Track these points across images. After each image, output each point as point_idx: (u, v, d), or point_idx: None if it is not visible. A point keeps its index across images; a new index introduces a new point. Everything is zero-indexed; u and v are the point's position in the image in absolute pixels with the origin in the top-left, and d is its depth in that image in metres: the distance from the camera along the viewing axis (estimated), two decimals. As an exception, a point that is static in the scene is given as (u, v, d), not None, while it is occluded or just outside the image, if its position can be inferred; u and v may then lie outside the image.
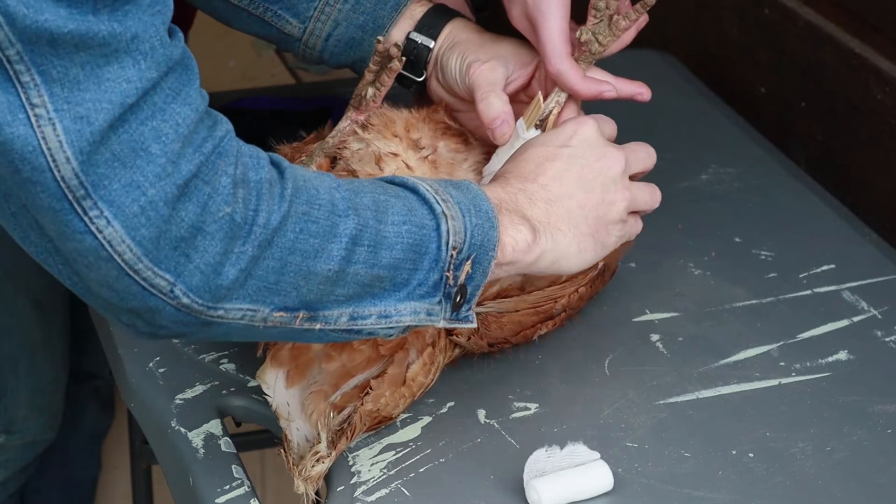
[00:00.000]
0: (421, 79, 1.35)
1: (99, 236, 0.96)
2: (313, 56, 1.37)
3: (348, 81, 1.32)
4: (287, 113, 1.73)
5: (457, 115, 1.34)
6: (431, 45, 1.33)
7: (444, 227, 1.09)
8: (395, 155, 1.26)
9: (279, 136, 1.36)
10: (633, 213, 1.26)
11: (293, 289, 1.04)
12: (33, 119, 0.92)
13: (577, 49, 1.28)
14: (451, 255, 1.10)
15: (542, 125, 1.28)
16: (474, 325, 1.15)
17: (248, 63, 2.84)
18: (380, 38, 1.26)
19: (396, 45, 1.25)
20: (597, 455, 1.16)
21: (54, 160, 0.93)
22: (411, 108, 1.32)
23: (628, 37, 1.30)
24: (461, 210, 1.11)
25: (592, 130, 1.22)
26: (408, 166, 1.26)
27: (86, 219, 0.95)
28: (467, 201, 1.12)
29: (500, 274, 1.15)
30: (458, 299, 1.12)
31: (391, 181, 1.13)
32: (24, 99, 0.92)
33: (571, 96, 1.29)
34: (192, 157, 0.97)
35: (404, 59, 1.26)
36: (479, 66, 1.29)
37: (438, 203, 1.10)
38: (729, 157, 1.64)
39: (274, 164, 1.05)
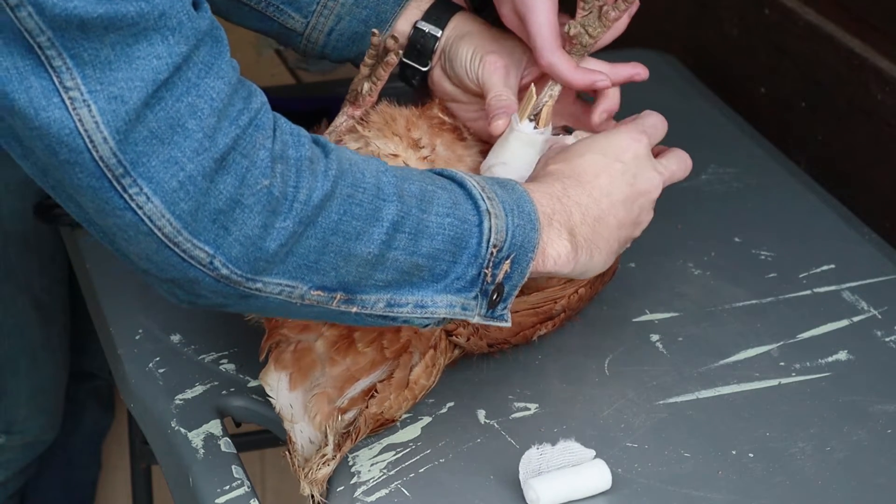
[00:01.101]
0: (426, 69, 1.35)
1: (139, 212, 0.97)
2: (315, 51, 1.37)
3: (348, 81, 1.32)
4: (287, 113, 1.73)
5: (454, 107, 1.34)
6: (439, 35, 1.33)
7: (486, 224, 1.10)
8: (395, 156, 1.26)
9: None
10: None
11: (332, 269, 1.04)
12: (68, 102, 0.93)
13: (568, 43, 1.27)
14: (492, 253, 1.10)
15: (536, 118, 1.28)
16: (509, 324, 1.16)
17: (248, 63, 2.83)
18: (375, 30, 1.26)
19: (394, 37, 1.25)
20: (592, 452, 1.16)
21: (92, 141, 0.94)
22: (410, 106, 1.31)
23: (622, 24, 1.30)
24: (505, 209, 1.11)
25: (644, 149, 1.23)
26: (407, 166, 1.26)
27: (126, 196, 0.96)
28: (511, 201, 1.12)
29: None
30: (494, 297, 1.12)
31: (440, 173, 1.14)
32: (57, 83, 0.93)
33: (565, 88, 1.29)
34: (229, 130, 0.98)
35: (401, 52, 1.26)
36: (494, 64, 1.29)
37: (484, 200, 1.11)
38: (729, 157, 1.64)
39: (318, 143, 1.05)
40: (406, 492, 1.15)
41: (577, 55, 1.28)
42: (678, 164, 1.27)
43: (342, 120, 1.30)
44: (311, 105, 1.74)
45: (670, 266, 1.44)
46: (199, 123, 0.96)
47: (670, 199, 1.55)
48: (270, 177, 0.99)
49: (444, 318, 1.12)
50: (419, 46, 1.33)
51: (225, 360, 1.30)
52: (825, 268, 1.44)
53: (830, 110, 1.66)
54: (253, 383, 1.26)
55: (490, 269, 1.11)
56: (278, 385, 1.18)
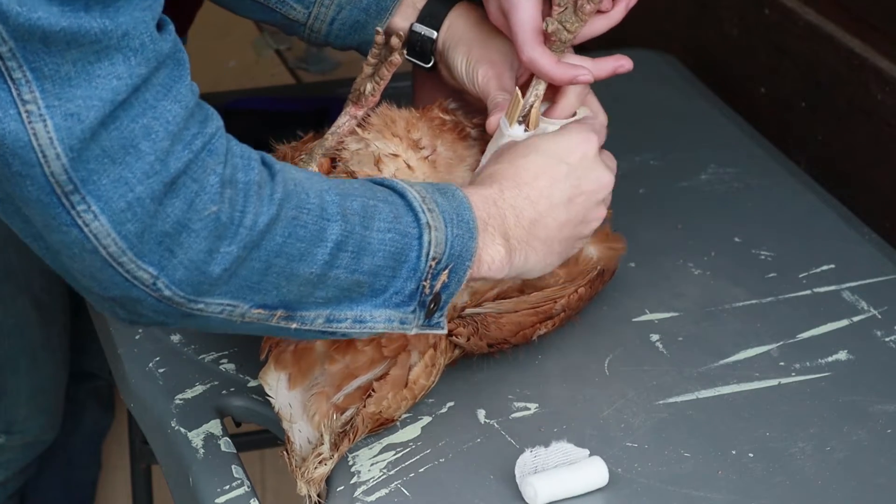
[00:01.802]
0: (429, 65, 1.35)
1: (85, 229, 0.97)
2: (318, 40, 1.37)
3: (348, 81, 1.32)
4: (287, 113, 1.73)
5: (468, 98, 1.34)
6: (434, 37, 1.33)
7: (426, 238, 1.10)
8: (396, 156, 1.26)
9: (279, 136, 1.36)
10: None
11: (274, 288, 1.05)
12: (24, 115, 0.93)
13: (548, 40, 1.28)
14: (430, 266, 1.11)
15: (525, 120, 1.28)
16: (444, 331, 1.16)
17: (248, 63, 2.83)
18: (378, 28, 1.27)
19: (398, 34, 1.25)
20: (586, 451, 1.16)
21: (44, 156, 0.94)
22: (410, 107, 1.32)
23: (617, 15, 1.30)
24: (444, 220, 1.12)
25: (594, 149, 1.24)
26: (409, 166, 1.26)
27: (73, 212, 0.96)
28: (451, 210, 1.13)
29: (471, 284, 1.18)
30: (431, 307, 1.13)
31: (381, 183, 1.14)
32: (15, 95, 0.93)
33: (549, 86, 1.29)
34: (181, 154, 0.98)
35: (405, 51, 1.27)
36: (487, 71, 1.30)
37: (424, 212, 1.11)
38: (729, 157, 1.64)
39: (265, 164, 1.05)
40: (406, 491, 1.15)
41: (558, 51, 1.28)
42: (611, 162, 1.28)
43: (344, 120, 1.30)
44: (311, 105, 1.74)
45: (670, 266, 1.44)
46: (152, 146, 0.96)
47: (670, 199, 1.56)
48: (219, 203, 0.99)
49: (382, 333, 1.13)
50: (418, 48, 1.34)
51: (225, 360, 1.30)
52: (825, 268, 1.44)
53: (830, 110, 1.66)
54: (253, 383, 1.26)
55: (428, 281, 1.11)
56: (277, 384, 1.19)
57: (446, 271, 1.12)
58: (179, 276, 1.00)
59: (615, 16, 1.31)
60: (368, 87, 1.28)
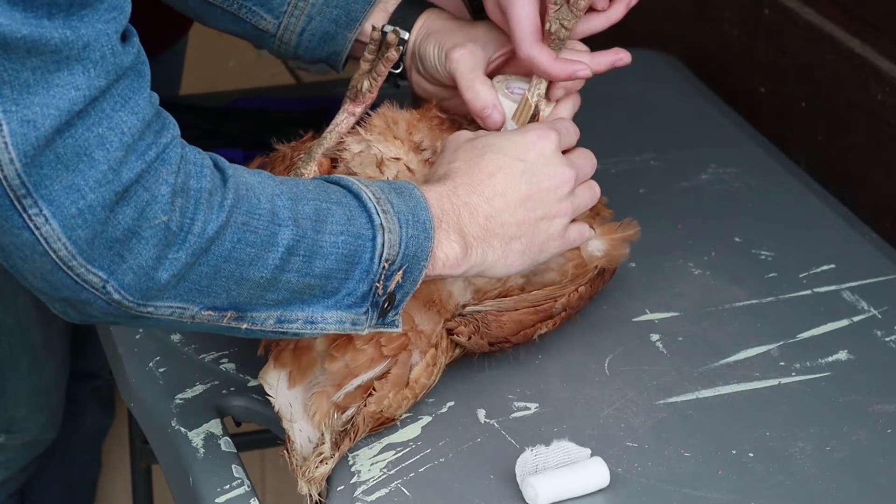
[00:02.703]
0: (399, 70, 1.35)
1: (36, 233, 0.97)
2: (289, 52, 1.37)
3: (348, 81, 1.32)
4: (287, 113, 1.73)
5: (445, 104, 1.34)
6: (406, 38, 1.33)
7: (379, 240, 1.10)
8: (398, 159, 1.26)
9: (279, 136, 1.36)
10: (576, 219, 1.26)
11: (224, 292, 1.05)
12: None
13: (547, 38, 1.28)
14: (383, 267, 1.11)
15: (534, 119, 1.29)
16: (399, 330, 1.16)
17: (248, 63, 2.84)
18: (374, 24, 1.27)
19: (395, 30, 1.25)
20: (587, 450, 1.16)
21: None
22: (410, 108, 1.31)
23: (617, 14, 1.30)
24: (399, 221, 1.11)
25: (552, 146, 1.22)
26: (409, 169, 1.26)
27: (25, 216, 0.96)
28: (407, 210, 1.12)
29: (473, 282, 1.18)
30: (385, 306, 1.13)
31: (337, 182, 1.13)
32: None
33: (550, 83, 1.29)
34: (135, 164, 0.98)
35: (402, 47, 1.27)
36: (457, 51, 1.29)
37: (378, 214, 1.11)
38: (729, 157, 1.64)
39: (218, 168, 1.05)
40: (406, 491, 1.15)
41: (556, 48, 1.28)
42: (585, 159, 1.27)
43: (343, 117, 1.30)
44: (311, 105, 1.74)
45: (670, 266, 1.44)
46: (106, 155, 0.97)
47: (670, 199, 1.56)
48: (169, 212, 1.00)
49: (334, 332, 1.13)
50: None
51: (225, 360, 1.30)
52: (825, 268, 1.44)
53: (830, 110, 1.66)
54: (253, 383, 1.26)
55: (381, 283, 1.11)
56: (278, 384, 1.19)
57: (400, 272, 1.12)
58: (128, 281, 1.01)
59: (614, 14, 1.31)
60: (365, 83, 1.29)
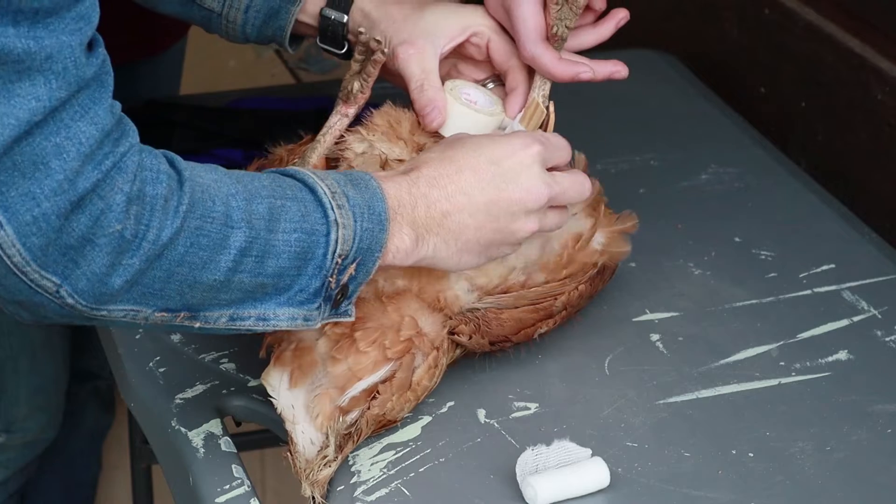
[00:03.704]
0: (343, 51, 1.35)
1: None
2: (236, 32, 1.37)
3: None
4: (287, 113, 1.73)
5: (395, 80, 1.33)
6: (344, 20, 1.33)
7: (333, 236, 1.10)
8: (401, 161, 1.26)
9: (279, 136, 1.36)
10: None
11: (177, 294, 1.05)
12: None
13: (552, 39, 1.28)
14: (337, 263, 1.11)
15: (544, 125, 1.29)
16: (352, 319, 1.15)
17: (248, 63, 2.84)
18: (361, 30, 1.26)
19: (376, 39, 1.25)
20: (588, 450, 1.16)
21: None
22: (411, 108, 1.31)
23: (607, 32, 1.30)
24: (354, 215, 1.11)
25: (532, 156, 1.19)
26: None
27: None
28: (363, 203, 1.12)
29: (475, 281, 1.17)
30: (338, 297, 1.13)
31: (293, 175, 1.13)
32: None
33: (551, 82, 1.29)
34: (91, 174, 0.98)
35: (387, 50, 1.26)
36: (407, 50, 1.28)
37: (333, 209, 1.10)
38: (729, 157, 1.64)
39: (175, 169, 1.05)
40: (406, 491, 1.15)
41: (558, 48, 1.28)
42: (573, 183, 1.23)
43: (336, 119, 1.30)
44: (311, 105, 1.74)
45: (670, 266, 1.44)
46: (62, 165, 0.97)
47: (670, 199, 1.56)
48: (124, 220, 1.00)
49: (286, 329, 1.13)
50: (329, 33, 1.34)
51: (225, 360, 1.30)
52: (825, 268, 1.44)
53: (830, 110, 1.67)
54: (253, 383, 1.26)
55: (335, 277, 1.11)
56: (280, 385, 1.18)
57: (354, 264, 1.11)
58: (82, 287, 1.01)
59: (604, 32, 1.31)
60: (356, 84, 1.28)
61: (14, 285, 1.00)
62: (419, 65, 1.28)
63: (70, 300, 1.01)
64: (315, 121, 1.66)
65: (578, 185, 1.23)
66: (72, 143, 0.97)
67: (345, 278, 1.12)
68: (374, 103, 1.30)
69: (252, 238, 1.07)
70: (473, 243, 1.18)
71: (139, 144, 1.02)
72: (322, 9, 1.33)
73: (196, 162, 1.08)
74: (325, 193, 1.11)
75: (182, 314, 1.07)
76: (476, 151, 1.19)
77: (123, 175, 1.00)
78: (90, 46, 0.99)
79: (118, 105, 1.01)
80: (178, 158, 1.06)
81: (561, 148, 1.24)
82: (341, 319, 1.15)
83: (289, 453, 1.16)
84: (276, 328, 1.11)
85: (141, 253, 1.01)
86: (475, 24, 1.30)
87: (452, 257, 1.18)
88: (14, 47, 0.93)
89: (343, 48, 1.35)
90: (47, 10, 0.93)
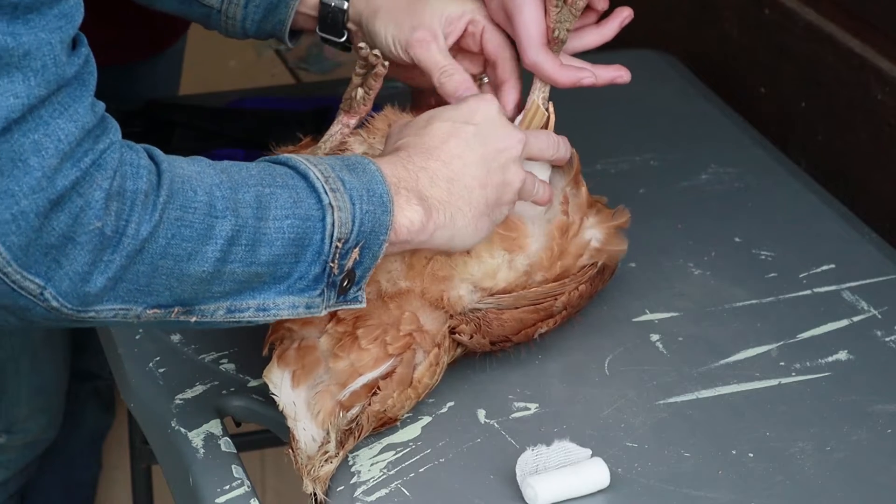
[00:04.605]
0: (342, 39, 1.35)
1: None
2: (236, 28, 1.36)
3: (348, 81, 1.32)
4: (287, 113, 1.73)
5: (402, 76, 1.34)
6: (345, 7, 1.33)
7: (329, 220, 1.09)
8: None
9: (279, 137, 1.36)
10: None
11: (165, 289, 1.04)
12: None
13: (552, 42, 1.28)
14: (336, 247, 1.09)
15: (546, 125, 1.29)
16: (363, 305, 1.15)
17: (248, 63, 2.84)
18: (361, 44, 1.26)
19: (374, 53, 1.24)
20: (588, 451, 1.16)
21: None
22: (411, 110, 1.31)
23: (610, 32, 1.30)
24: (351, 199, 1.10)
25: (494, 108, 1.21)
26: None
27: None
28: (360, 186, 1.11)
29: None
30: (345, 283, 1.12)
31: (284, 163, 1.12)
32: None
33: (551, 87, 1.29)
34: (70, 172, 0.97)
35: (387, 63, 1.26)
36: (424, 35, 1.28)
37: (326, 193, 1.09)
38: (729, 157, 1.64)
39: (154, 162, 1.04)
40: (406, 491, 1.15)
41: (557, 51, 1.28)
42: (544, 137, 1.25)
43: (337, 129, 1.30)
44: (311, 105, 1.74)
45: (670, 266, 1.44)
46: (41, 162, 0.96)
47: (670, 199, 1.56)
48: (104, 217, 0.99)
49: (288, 318, 1.12)
50: (329, 20, 1.33)
51: (225, 360, 1.30)
52: (825, 268, 1.44)
53: (830, 110, 1.67)
54: (253, 383, 1.26)
55: (336, 262, 1.10)
56: (282, 383, 1.18)
57: (357, 249, 1.10)
58: (65, 288, 1.00)
59: (607, 32, 1.31)
60: (359, 94, 1.28)
61: None
62: (437, 51, 1.28)
63: (55, 303, 1.00)
64: (315, 121, 1.66)
65: (545, 134, 1.26)
66: (51, 140, 0.96)
67: (349, 263, 1.11)
68: (374, 105, 1.30)
69: (239, 227, 1.05)
70: (483, 205, 1.18)
71: (121, 141, 1.01)
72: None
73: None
74: (317, 178, 1.10)
75: (176, 309, 1.06)
76: (448, 119, 1.19)
77: (103, 172, 0.99)
78: (74, 44, 0.98)
79: (101, 104, 1.01)
80: (157, 152, 1.05)
81: (543, 139, 1.25)
82: (351, 306, 1.14)
83: (290, 450, 1.16)
84: (278, 317, 1.10)
85: (121, 248, 1.00)
86: (471, 11, 1.31)
87: (469, 225, 1.18)
88: None
89: (343, 36, 1.35)
90: (27, 6, 0.93)
